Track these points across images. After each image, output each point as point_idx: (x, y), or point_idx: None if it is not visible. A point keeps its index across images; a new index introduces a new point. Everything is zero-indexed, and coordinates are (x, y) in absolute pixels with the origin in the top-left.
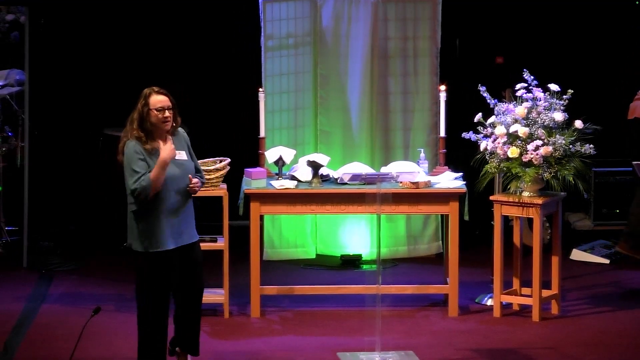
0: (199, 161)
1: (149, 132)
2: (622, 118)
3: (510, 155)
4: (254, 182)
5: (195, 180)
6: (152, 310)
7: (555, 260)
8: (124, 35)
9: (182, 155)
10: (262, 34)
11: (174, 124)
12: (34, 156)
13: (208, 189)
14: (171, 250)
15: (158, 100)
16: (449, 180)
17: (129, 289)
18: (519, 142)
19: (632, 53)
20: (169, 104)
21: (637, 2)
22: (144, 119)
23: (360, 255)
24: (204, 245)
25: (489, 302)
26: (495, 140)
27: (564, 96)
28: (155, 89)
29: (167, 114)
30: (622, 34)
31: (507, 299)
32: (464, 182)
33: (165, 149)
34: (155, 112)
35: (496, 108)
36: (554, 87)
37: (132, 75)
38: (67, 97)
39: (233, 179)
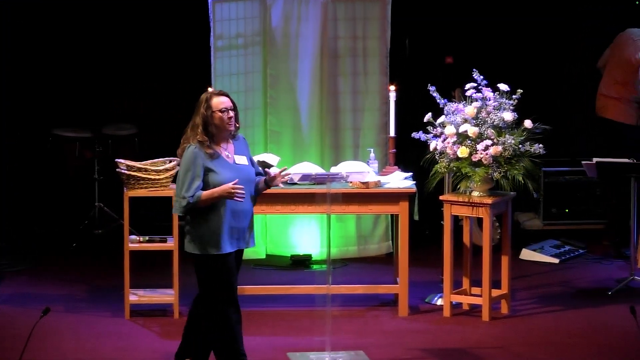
0: (150, 161)
1: (212, 135)
2: (571, 118)
3: (459, 155)
4: None
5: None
6: (223, 313)
7: (504, 260)
8: (72, 34)
9: (242, 159)
10: (212, 34)
11: (237, 125)
12: None
13: (157, 189)
14: (232, 254)
15: (220, 101)
16: (399, 180)
17: (79, 290)
18: (469, 141)
19: (580, 52)
20: (231, 104)
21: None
22: (208, 123)
23: (310, 256)
24: (154, 246)
25: (439, 302)
26: (445, 140)
27: (514, 96)
28: (215, 91)
29: (230, 114)
30: (569, 33)
31: (457, 298)
32: (414, 182)
33: (226, 186)
34: (220, 113)
35: (446, 108)
36: (503, 87)
37: (81, 75)
38: (15, 97)
39: None
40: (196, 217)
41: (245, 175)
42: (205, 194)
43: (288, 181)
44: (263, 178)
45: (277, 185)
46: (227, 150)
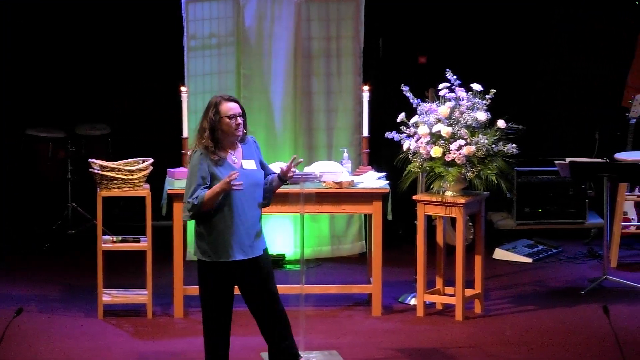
0: (123, 161)
1: (219, 141)
2: (544, 118)
3: (433, 155)
4: (177, 182)
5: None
6: (215, 320)
7: (478, 260)
8: (44, 35)
9: (250, 164)
10: (185, 33)
11: (245, 131)
12: None
13: (131, 189)
14: (236, 262)
15: (229, 107)
16: (373, 180)
17: (52, 290)
18: (442, 141)
19: (552, 40)
20: (240, 110)
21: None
22: (215, 128)
23: (283, 255)
24: (127, 246)
25: (412, 302)
26: (418, 140)
27: (487, 96)
28: (225, 96)
29: (239, 120)
30: (543, 33)
31: (430, 298)
32: (387, 182)
33: (223, 180)
34: (228, 119)
35: (419, 108)
36: (476, 86)
37: (54, 75)
38: None
39: (156, 179)
40: (203, 224)
41: (253, 180)
42: (207, 193)
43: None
44: (275, 175)
45: (292, 179)
46: (234, 155)
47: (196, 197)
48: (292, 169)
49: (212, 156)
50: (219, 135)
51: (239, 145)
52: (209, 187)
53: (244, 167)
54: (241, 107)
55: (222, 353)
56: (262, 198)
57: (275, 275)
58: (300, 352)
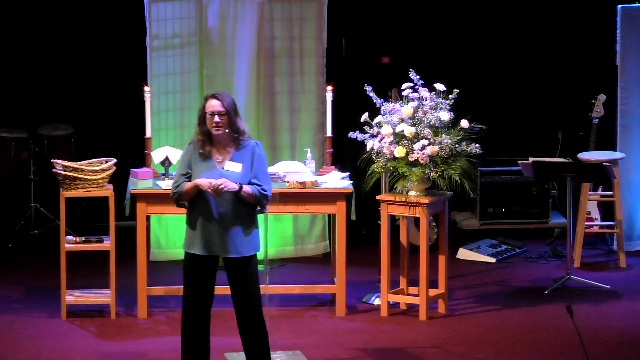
0: (86, 161)
1: (208, 136)
2: (507, 117)
3: (396, 155)
4: (140, 182)
5: (224, 182)
6: (186, 310)
7: (441, 260)
8: (4, 33)
9: (235, 167)
10: (148, 33)
11: (228, 131)
12: None
13: (94, 189)
14: (202, 257)
15: (210, 104)
16: (336, 180)
17: (15, 290)
18: (406, 141)
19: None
20: (220, 109)
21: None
22: (202, 123)
23: None
24: (90, 246)
25: (376, 302)
26: (381, 139)
27: (450, 96)
28: (215, 93)
29: (216, 119)
30: (507, 31)
31: (394, 298)
32: (351, 182)
33: (204, 181)
34: (209, 116)
35: (382, 108)
36: (439, 86)
37: (16, 75)
38: None
39: (119, 180)
40: (187, 214)
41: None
42: (186, 185)
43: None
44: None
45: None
46: (222, 155)
47: (177, 187)
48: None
49: (200, 149)
50: (206, 130)
51: (233, 147)
52: (190, 178)
53: (226, 168)
54: (225, 107)
55: (194, 343)
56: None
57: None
58: None
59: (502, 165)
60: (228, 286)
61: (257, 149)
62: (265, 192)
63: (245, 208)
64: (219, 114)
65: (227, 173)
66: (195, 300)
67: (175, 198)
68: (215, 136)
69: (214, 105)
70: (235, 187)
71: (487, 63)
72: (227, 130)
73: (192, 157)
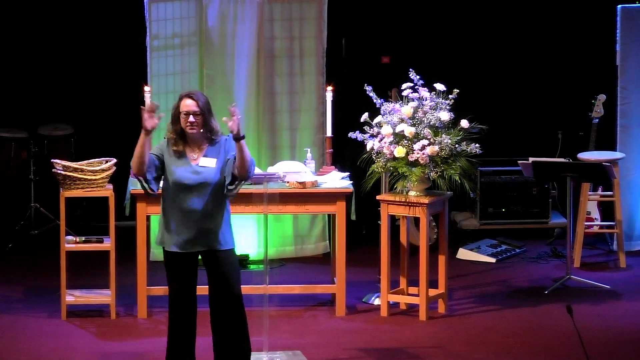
0: (86, 161)
1: (181, 134)
2: (507, 117)
3: (396, 155)
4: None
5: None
6: (171, 308)
7: (441, 260)
8: (5, 33)
9: (209, 162)
10: (148, 33)
11: (202, 131)
12: None
13: (94, 189)
14: (178, 254)
15: (185, 104)
16: (336, 180)
17: (15, 291)
18: (406, 141)
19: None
20: (195, 109)
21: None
22: (176, 122)
23: (247, 256)
24: (90, 246)
25: (376, 302)
26: (381, 139)
27: (450, 96)
28: (190, 93)
29: (191, 119)
30: (507, 32)
31: (394, 298)
32: (351, 182)
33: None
34: (184, 116)
35: (382, 108)
36: (439, 86)
37: (16, 75)
38: None
39: (119, 180)
40: (162, 210)
41: (204, 178)
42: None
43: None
44: (234, 144)
45: (235, 132)
46: (195, 152)
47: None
48: (233, 117)
49: (173, 147)
50: (179, 129)
51: (206, 143)
52: (162, 174)
53: (200, 164)
54: (200, 107)
55: (177, 340)
56: (227, 189)
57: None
58: (264, 352)
59: (502, 165)
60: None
61: (229, 141)
62: (253, 163)
63: (216, 205)
64: (194, 113)
65: (202, 169)
66: (177, 297)
67: (133, 163)
68: (189, 134)
69: (188, 105)
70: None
71: (487, 63)
72: (201, 130)
73: (165, 152)
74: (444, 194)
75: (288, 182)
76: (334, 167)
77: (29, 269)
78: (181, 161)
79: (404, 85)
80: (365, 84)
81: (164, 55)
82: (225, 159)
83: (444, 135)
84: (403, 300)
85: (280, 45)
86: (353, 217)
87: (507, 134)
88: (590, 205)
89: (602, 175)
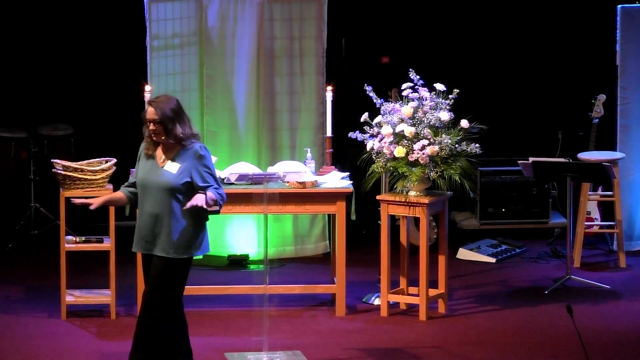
0: (86, 161)
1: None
2: (507, 117)
3: (396, 155)
4: None
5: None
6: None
7: (441, 260)
8: (5, 33)
9: (172, 167)
10: (148, 33)
11: (164, 138)
12: None
13: (94, 189)
14: (143, 255)
15: (147, 111)
16: (336, 180)
17: (15, 290)
18: (406, 141)
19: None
20: (154, 117)
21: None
22: (145, 127)
23: (247, 256)
24: (90, 246)
25: (376, 302)
26: (381, 139)
27: (450, 96)
28: (152, 100)
29: (151, 127)
30: (507, 31)
31: (394, 298)
32: (351, 182)
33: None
34: (147, 122)
35: (382, 108)
36: (439, 86)
37: (16, 75)
38: None
39: (119, 180)
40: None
41: (163, 180)
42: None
43: (225, 181)
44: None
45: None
46: (165, 155)
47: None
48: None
49: (146, 150)
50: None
51: (178, 147)
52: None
53: (164, 168)
54: (159, 115)
55: (135, 342)
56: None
57: (237, 275)
58: (264, 352)
59: (502, 165)
60: (218, 286)
61: (201, 151)
62: (223, 195)
63: (171, 211)
64: (153, 121)
65: (163, 172)
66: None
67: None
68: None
69: (149, 112)
70: (202, 202)
71: (487, 63)
72: (162, 138)
73: (142, 153)
74: (444, 194)
75: (288, 182)
76: (334, 167)
77: (29, 269)
78: (148, 162)
79: (404, 85)
80: (365, 84)
81: (164, 55)
82: (191, 169)
83: (444, 135)
84: (403, 300)
85: (280, 45)
86: (353, 217)
87: (507, 134)
88: (590, 205)
89: (602, 175)
